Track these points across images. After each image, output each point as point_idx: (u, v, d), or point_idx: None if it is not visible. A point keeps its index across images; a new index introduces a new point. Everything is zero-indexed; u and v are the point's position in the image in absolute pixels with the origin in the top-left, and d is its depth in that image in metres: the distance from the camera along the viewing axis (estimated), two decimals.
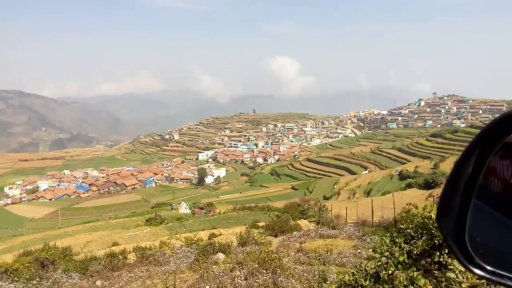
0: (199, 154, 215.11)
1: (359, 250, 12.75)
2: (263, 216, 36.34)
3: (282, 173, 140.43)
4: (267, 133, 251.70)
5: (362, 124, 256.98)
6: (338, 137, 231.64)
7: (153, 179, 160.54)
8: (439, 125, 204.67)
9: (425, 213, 5.14)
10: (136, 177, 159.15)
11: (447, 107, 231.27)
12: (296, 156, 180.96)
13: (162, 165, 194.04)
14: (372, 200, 32.38)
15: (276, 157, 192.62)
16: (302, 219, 32.28)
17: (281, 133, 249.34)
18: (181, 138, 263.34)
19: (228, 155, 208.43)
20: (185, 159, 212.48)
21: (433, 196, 31.09)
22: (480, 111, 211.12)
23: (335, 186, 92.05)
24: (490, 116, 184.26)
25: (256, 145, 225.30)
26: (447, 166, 73.37)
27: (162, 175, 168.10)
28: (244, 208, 46.09)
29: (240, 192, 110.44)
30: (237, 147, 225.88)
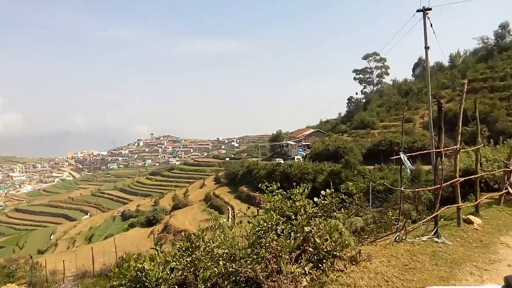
0: None
1: None
2: None
3: None
4: None
5: (81, 166, 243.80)
6: (54, 181, 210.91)
7: None
8: (157, 164, 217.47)
9: (138, 265, 4.83)
10: None
11: (163, 147, 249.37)
12: (1, 208, 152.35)
13: None
14: (92, 247, 30.35)
15: None
16: (8, 284, 26.84)
17: None
18: None
19: None
20: None
21: (153, 233, 31.98)
22: (191, 150, 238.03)
23: (51, 237, 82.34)
24: (199, 154, 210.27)
25: None
26: (166, 202, 78.09)
27: None
28: None
29: None
30: None
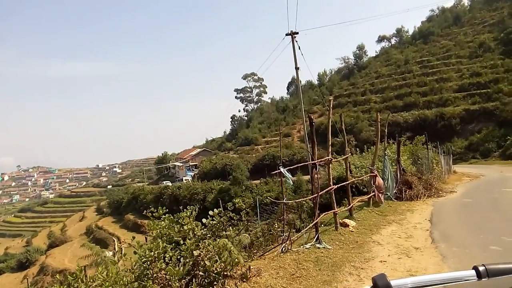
0: None
1: None
2: None
3: None
4: None
5: None
6: None
7: None
8: (27, 199, 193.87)
9: None
10: None
11: (33, 179, 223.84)
12: None
13: None
14: None
15: None
16: None
17: None
18: None
19: None
20: None
21: (27, 278, 28.50)
22: (67, 180, 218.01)
23: None
24: (77, 184, 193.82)
25: None
26: (40, 241, 69.93)
27: None
28: None
29: None
30: None
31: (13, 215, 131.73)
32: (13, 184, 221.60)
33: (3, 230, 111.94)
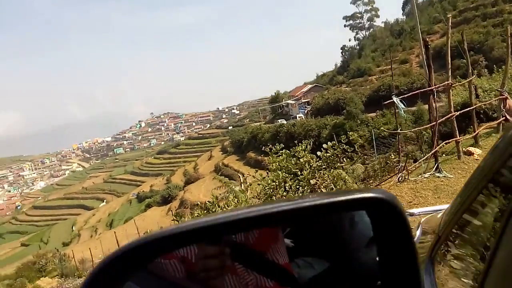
0: None
1: None
2: None
3: (3, 231, 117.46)
4: None
5: (88, 155, 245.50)
6: (65, 174, 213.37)
7: None
8: (162, 142, 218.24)
9: None
10: None
11: (165, 125, 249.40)
12: (19, 207, 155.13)
13: None
14: (115, 232, 31.32)
15: None
16: (41, 278, 28.20)
17: None
18: None
19: None
20: None
21: (171, 210, 32.87)
22: (194, 124, 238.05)
23: (73, 228, 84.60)
24: (202, 127, 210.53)
25: None
26: (177, 178, 79.24)
27: None
28: None
29: None
30: None
31: (153, 157, 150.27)
32: (149, 130, 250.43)
33: (146, 170, 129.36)
